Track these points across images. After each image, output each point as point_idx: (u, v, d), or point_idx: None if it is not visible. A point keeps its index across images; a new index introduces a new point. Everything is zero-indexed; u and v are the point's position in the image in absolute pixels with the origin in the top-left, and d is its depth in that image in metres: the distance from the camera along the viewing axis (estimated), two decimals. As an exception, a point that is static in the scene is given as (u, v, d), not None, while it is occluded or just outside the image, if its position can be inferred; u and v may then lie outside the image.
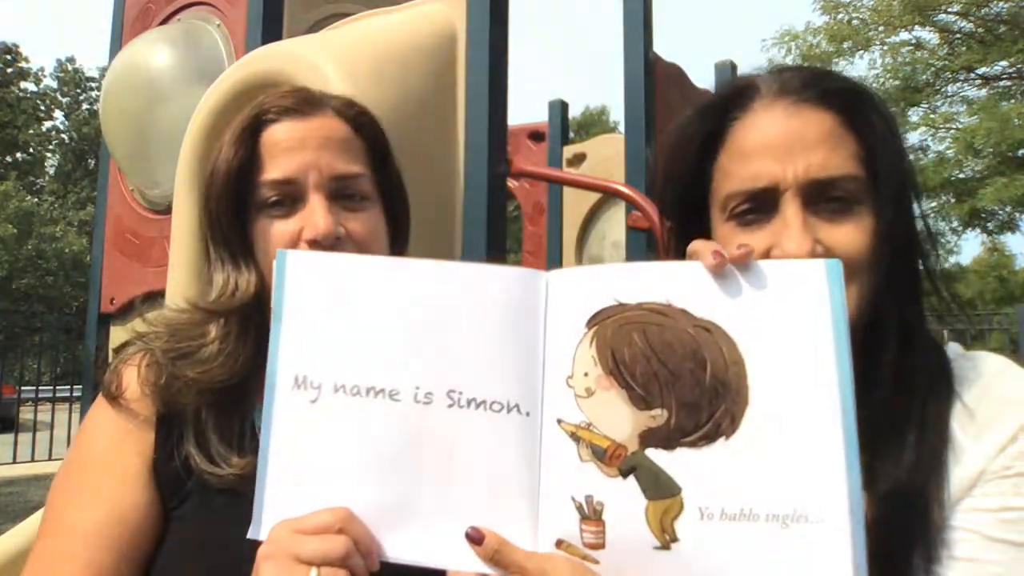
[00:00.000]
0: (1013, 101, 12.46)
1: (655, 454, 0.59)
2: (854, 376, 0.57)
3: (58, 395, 10.04)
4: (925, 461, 0.65)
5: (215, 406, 0.77)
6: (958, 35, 13.53)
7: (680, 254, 0.68)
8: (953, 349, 0.73)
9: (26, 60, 28.05)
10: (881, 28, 13.53)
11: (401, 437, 0.63)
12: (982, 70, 13.36)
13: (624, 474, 0.59)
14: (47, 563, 0.73)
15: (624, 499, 0.59)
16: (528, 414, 0.62)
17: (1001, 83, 13.57)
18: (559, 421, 0.61)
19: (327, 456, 0.63)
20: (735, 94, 0.71)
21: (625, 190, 2.41)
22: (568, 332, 0.62)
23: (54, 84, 29.55)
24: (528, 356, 0.63)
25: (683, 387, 0.59)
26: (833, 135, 0.67)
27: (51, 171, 29.55)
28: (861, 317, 0.66)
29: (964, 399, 0.67)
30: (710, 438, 0.58)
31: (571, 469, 0.60)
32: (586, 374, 0.61)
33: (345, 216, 0.81)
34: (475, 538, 0.61)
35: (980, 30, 13.25)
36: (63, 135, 29.53)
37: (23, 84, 28.12)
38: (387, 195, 0.88)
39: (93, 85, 28.62)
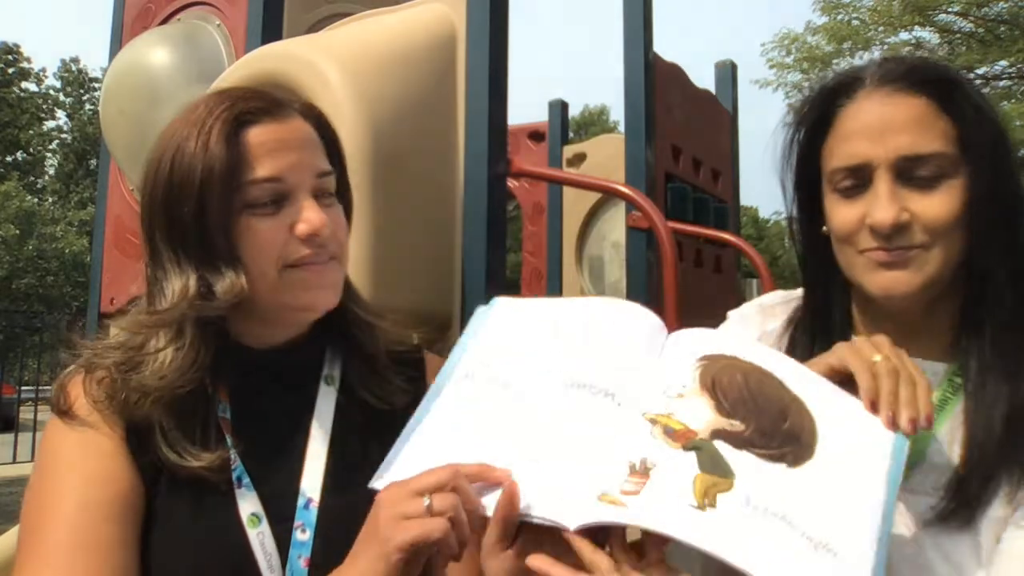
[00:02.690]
0: (1013, 101, 12.45)
1: (721, 445, 0.67)
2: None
3: (58, 395, 10.02)
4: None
5: (177, 410, 0.78)
6: (958, 35, 13.52)
7: (807, 223, 0.87)
8: None
9: (27, 60, 28.07)
10: (881, 28, 13.52)
11: (520, 413, 0.73)
12: (982, 70, 13.35)
13: (686, 450, 0.67)
14: (47, 554, 0.72)
15: (677, 466, 0.66)
16: (620, 405, 0.72)
17: (1001, 83, 13.57)
18: (643, 413, 0.70)
19: (462, 431, 0.73)
20: (844, 83, 0.82)
21: (625, 190, 2.40)
22: (679, 360, 0.74)
23: (58, 84, 29.57)
24: (638, 366, 0.74)
25: (764, 420, 0.68)
26: (925, 118, 0.76)
27: (51, 171, 29.53)
28: (950, 271, 0.79)
29: None
30: (774, 460, 0.66)
31: (638, 442, 0.68)
32: (684, 386, 0.71)
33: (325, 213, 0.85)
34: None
35: (980, 30, 13.24)
36: (65, 135, 29.52)
37: (24, 84, 28.13)
38: (342, 193, 0.90)
39: (96, 85, 28.57)
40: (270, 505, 0.79)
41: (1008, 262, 0.79)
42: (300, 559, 0.78)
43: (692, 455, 0.66)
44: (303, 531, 0.79)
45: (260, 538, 0.77)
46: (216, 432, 0.79)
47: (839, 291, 0.87)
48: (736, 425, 0.68)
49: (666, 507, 0.63)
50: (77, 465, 0.76)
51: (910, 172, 0.76)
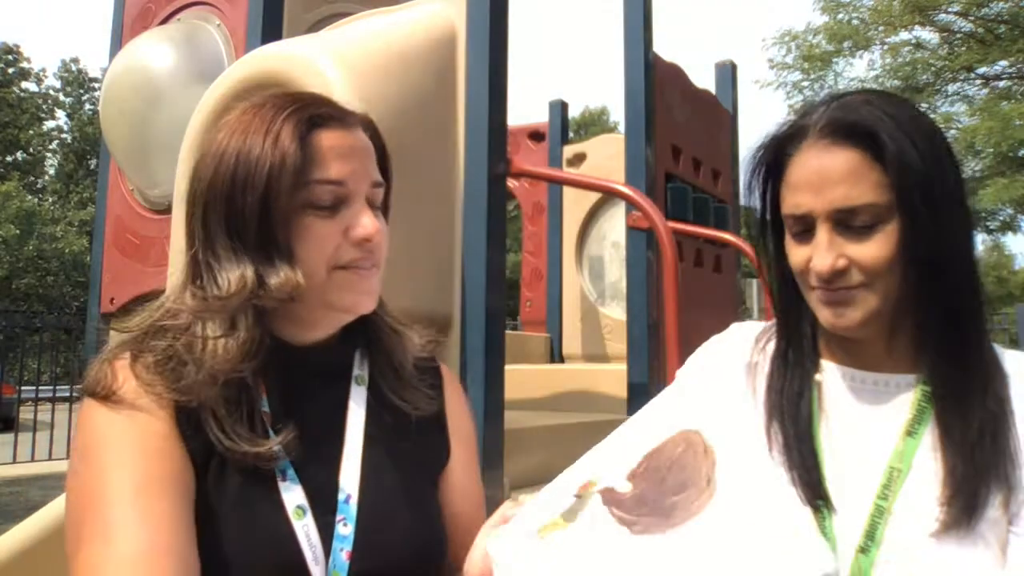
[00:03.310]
0: (1013, 101, 12.45)
1: (595, 499, 0.72)
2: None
3: (58, 395, 10.04)
4: (989, 419, 0.82)
5: (227, 398, 0.79)
6: (958, 35, 13.52)
7: (775, 256, 0.93)
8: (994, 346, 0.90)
9: (27, 60, 28.08)
10: (881, 28, 13.52)
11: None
12: (982, 70, 13.35)
13: (575, 497, 0.72)
14: (104, 533, 0.70)
15: (554, 509, 0.72)
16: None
17: (1001, 83, 13.57)
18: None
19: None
20: (791, 134, 0.88)
21: (625, 190, 2.40)
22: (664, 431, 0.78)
23: (57, 84, 29.57)
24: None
25: (652, 490, 0.71)
26: (858, 170, 0.82)
27: (51, 171, 29.52)
28: (891, 303, 0.85)
29: (1014, 380, 0.85)
30: (622, 523, 0.69)
31: (560, 490, 0.75)
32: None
33: None
34: None
35: (980, 30, 13.24)
36: (65, 135, 29.51)
37: (24, 84, 28.13)
38: (385, 205, 0.94)
39: (96, 85, 28.55)
40: (313, 498, 0.81)
41: (944, 298, 0.84)
42: (342, 552, 0.79)
43: (568, 502, 0.72)
44: (345, 525, 0.81)
45: (305, 530, 0.78)
46: (260, 424, 0.81)
47: (808, 318, 0.93)
48: (625, 487, 0.72)
49: (511, 533, 0.71)
50: (128, 443, 0.75)
51: (846, 221, 0.83)
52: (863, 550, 0.81)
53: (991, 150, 12.33)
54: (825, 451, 0.87)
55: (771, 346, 0.97)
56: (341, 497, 0.82)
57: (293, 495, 0.79)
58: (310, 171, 0.81)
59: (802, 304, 0.91)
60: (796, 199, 0.85)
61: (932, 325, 0.85)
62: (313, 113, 0.84)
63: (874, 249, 0.82)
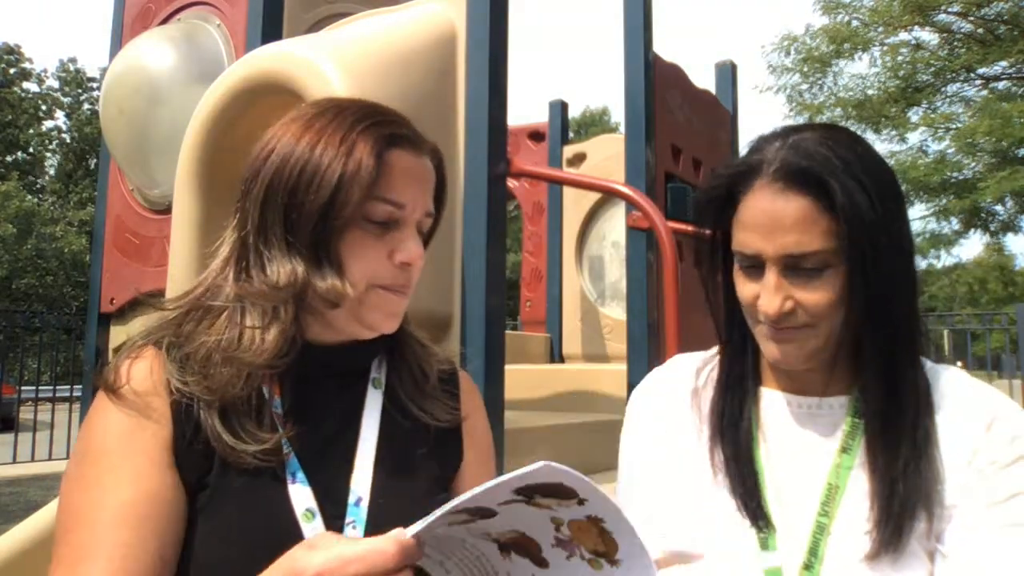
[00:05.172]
0: (1013, 102, 12.45)
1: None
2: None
3: (58, 395, 10.03)
4: (915, 452, 0.84)
5: (238, 397, 0.79)
6: (958, 35, 13.52)
7: (727, 284, 0.92)
8: (928, 364, 0.92)
9: (28, 60, 28.08)
10: (881, 28, 13.52)
11: None
12: (982, 70, 13.36)
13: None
14: (72, 560, 0.72)
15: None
16: None
17: (1001, 83, 13.57)
18: None
19: None
20: (745, 172, 0.88)
21: (625, 190, 2.41)
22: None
23: (56, 84, 29.55)
24: None
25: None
26: (808, 217, 0.82)
27: (51, 171, 29.52)
28: (835, 340, 0.87)
29: (942, 401, 0.88)
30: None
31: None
32: None
33: None
34: None
35: (980, 30, 13.24)
36: (64, 135, 29.50)
37: (25, 84, 28.12)
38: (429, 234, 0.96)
39: (94, 85, 28.53)
40: (323, 501, 0.80)
41: (882, 335, 0.86)
42: None
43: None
44: (354, 528, 0.80)
45: (313, 533, 0.78)
46: (270, 423, 0.80)
47: (751, 345, 0.94)
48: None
49: None
50: (126, 456, 0.75)
51: (796, 265, 0.84)
52: (807, 567, 0.84)
53: (990, 149, 12.34)
54: (766, 473, 0.90)
55: (714, 373, 0.99)
56: (352, 500, 0.82)
57: (302, 497, 0.79)
58: (378, 187, 0.82)
59: (747, 332, 0.93)
60: (746, 238, 0.86)
61: (869, 360, 0.87)
62: (393, 132, 0.85)
63: (821, 292, 0.84)
